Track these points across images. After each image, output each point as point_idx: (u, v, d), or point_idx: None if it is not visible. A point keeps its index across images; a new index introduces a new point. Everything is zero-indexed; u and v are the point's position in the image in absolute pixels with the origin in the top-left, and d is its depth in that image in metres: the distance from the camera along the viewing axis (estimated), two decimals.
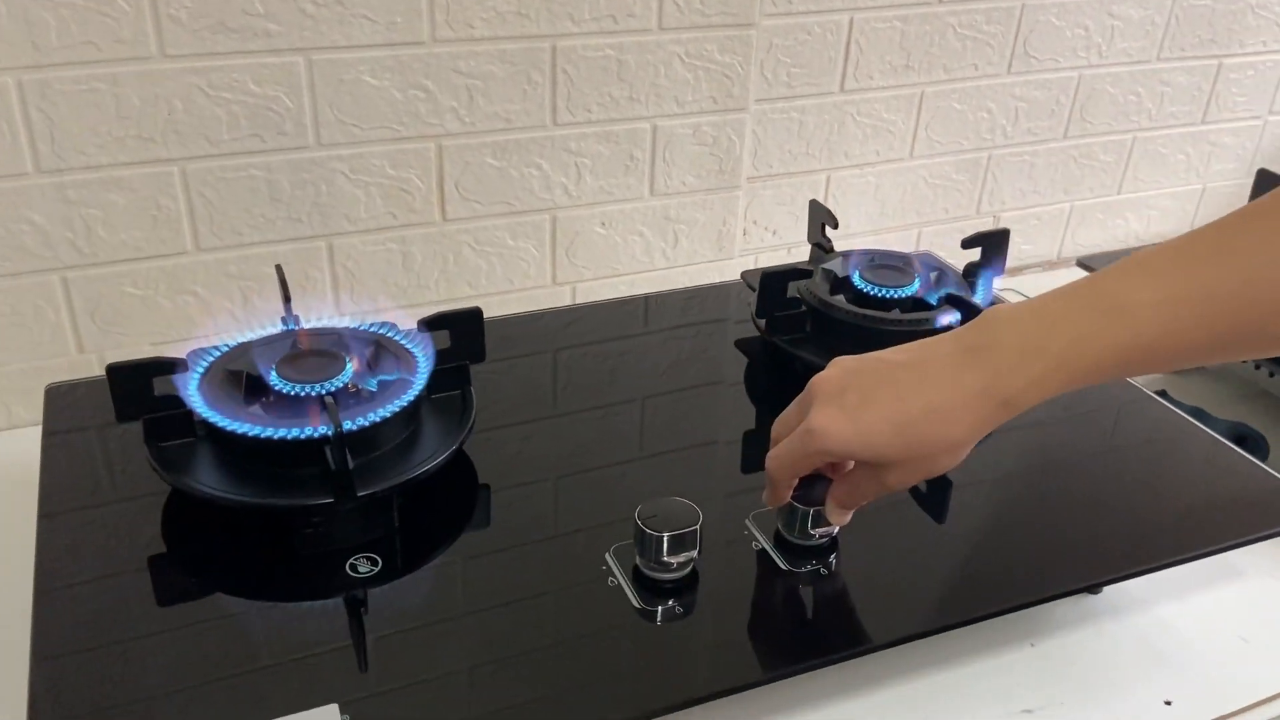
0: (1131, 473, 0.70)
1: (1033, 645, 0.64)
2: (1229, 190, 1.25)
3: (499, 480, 0.66)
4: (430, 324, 0.65)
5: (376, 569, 0.57)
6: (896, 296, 0.74)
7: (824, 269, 0.77)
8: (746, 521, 0.62)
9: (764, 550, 0.60)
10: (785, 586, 0.59)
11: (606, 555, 0.59)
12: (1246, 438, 0.83)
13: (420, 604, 0.57)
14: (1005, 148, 1.10)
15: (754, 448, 0.71)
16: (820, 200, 1.04)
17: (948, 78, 1.03)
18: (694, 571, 0.58)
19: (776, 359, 0.77)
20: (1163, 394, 0.90)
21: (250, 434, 0.57)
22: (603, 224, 0.95)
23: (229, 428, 0.57)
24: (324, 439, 0.56)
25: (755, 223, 1.03)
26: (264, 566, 0.58)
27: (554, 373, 0.83)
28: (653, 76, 0.90)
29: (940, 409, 0.51)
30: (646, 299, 0.93)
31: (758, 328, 0.77)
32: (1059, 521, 0.65)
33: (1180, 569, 0.64)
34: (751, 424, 0.76)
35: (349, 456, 0.56)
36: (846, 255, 0.79)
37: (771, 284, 0.73)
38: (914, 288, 0.74)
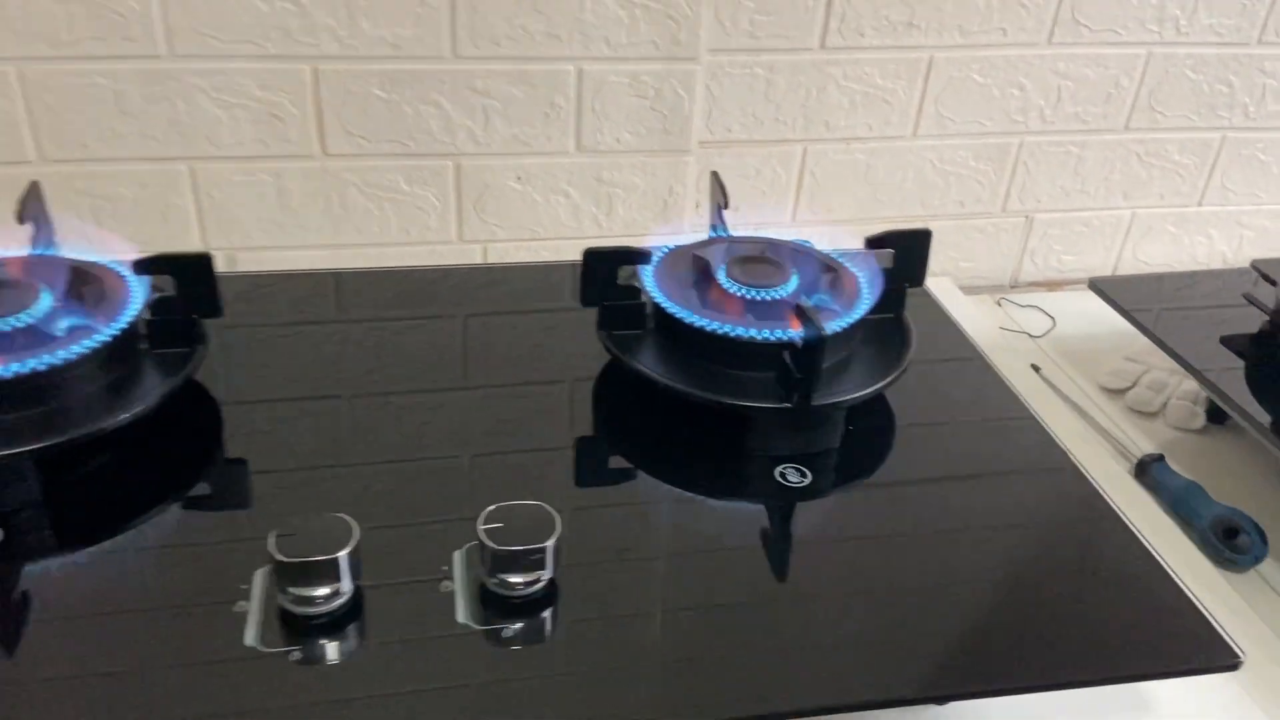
0: (1035, 563, 0.53)
1: None
2: None
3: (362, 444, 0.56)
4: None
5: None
6: (759, 298, 0.59)
7: (695, 254, 0.62)
8: (457, 554, 0.50)
9: (452, 594, 0.47)
10: (462, 648, 0.46)
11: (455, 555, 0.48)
12: (1238, 531, 0.63)
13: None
14: (1042, 135, 0.90)
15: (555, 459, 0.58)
16: (795, 176, 0.88)
17: (965, 42, 0.85)
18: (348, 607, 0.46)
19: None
20: (1160, 458, 0.71)
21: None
22: (519, 178, 0.83)
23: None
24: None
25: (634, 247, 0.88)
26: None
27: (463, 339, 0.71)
28: (576, 10, 0.77)
29: None
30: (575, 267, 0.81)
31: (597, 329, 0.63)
32: (924, 607, 0.49)
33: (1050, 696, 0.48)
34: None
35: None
36: (727, 241, 0.64)
37: (597, 267, 0.59)
38: (788, 288, 0.59)
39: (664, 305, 0.57)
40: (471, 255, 0.86)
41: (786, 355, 0.54)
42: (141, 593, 0.48)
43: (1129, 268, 1.00)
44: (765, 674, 0.46)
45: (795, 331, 0.54)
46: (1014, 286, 0.98)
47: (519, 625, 0.46)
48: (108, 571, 0.49)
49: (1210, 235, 1.00)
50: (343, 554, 0.44)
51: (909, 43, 0.84)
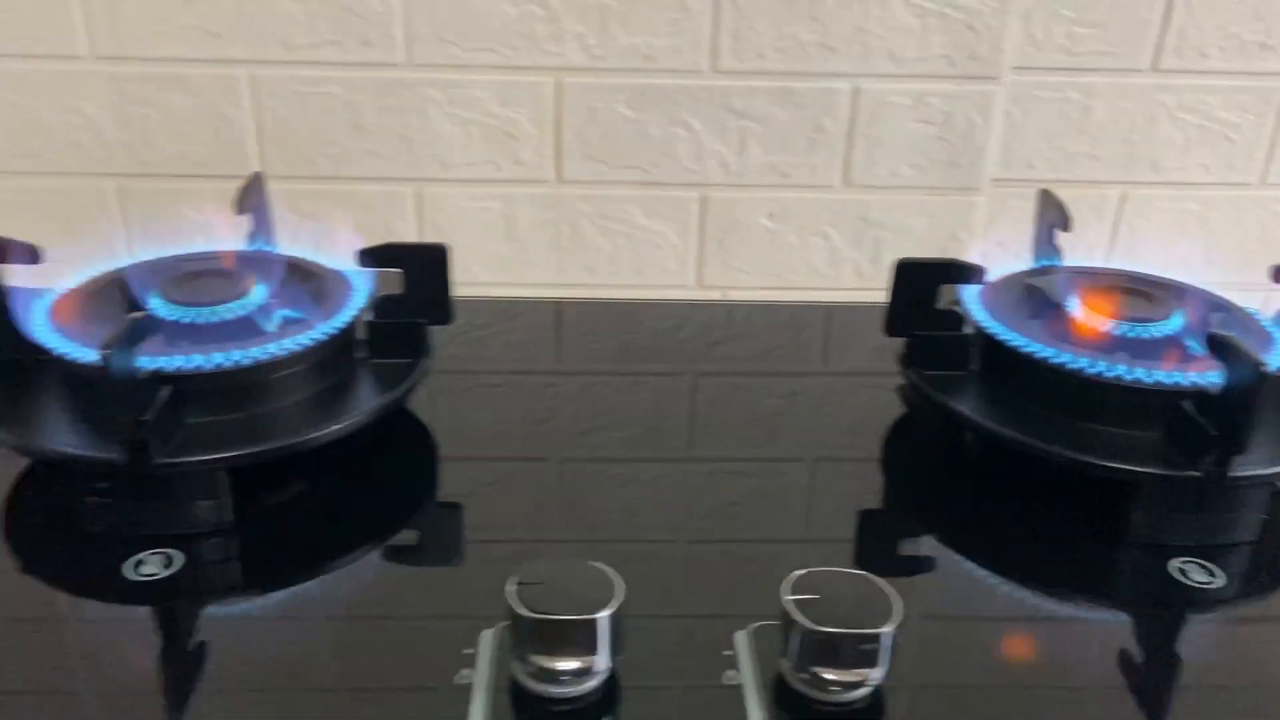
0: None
1: None
2: None
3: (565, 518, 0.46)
4: None
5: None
6: (1131, 336, 0.43)
7: (1028, 284, 0.48)
8: (740, 635, 0.36)
9: (739, 687, 0.34)
10: None
11: (482, 635, 0.36)
12: None
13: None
14: None
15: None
16: (1111, 227, 0.73)
17: None
18: (609, 687, 0.33)
19: (930, 410, 0.50)
20: None
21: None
22: (771, 215, 0.71)
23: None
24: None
25: (1000, 244, 0.73)
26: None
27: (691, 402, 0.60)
28: (858, 18, 0.66)
29: None
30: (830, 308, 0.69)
31: (898, 359, 0.49)
32: None
33: None
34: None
35: (158, 403, 0.38)
36: (1068, 272, 0.49)
37: (911, 282, 0.46)
38: (1170, 325, 0.44)
39: (1008, 339, 0.43)
40: (711, 304, 0.74)
41: (1189, 406, 0.39)
42: (338, 652, 0.36)
43: None
44: None
45: (1209, 375, 0.39)
46: None
47: None
48: (299, 623, 0.38)
49: None
50: (604, 615, 0.31)
51: (1259, 68, 0.68)
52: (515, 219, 0.71)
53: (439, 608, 0.40)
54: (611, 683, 0.34)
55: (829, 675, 0.31)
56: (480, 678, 0.34)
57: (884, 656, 0.32)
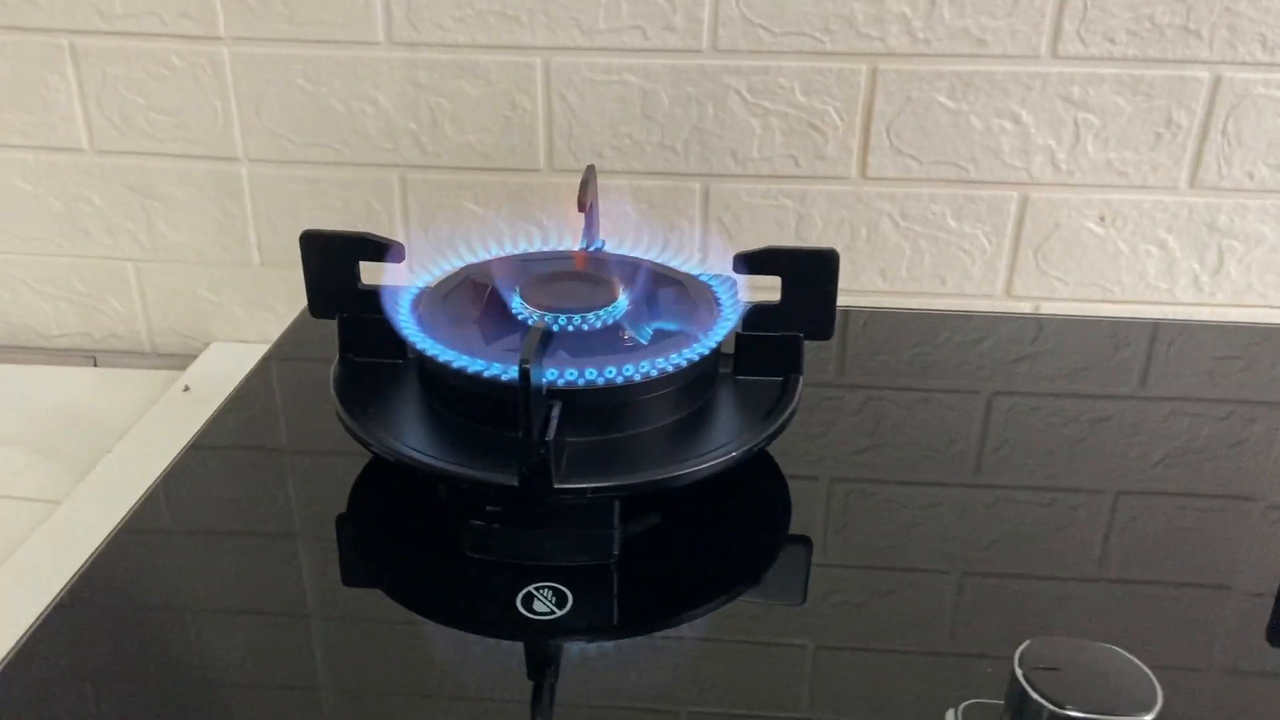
0: None
1: None
2: None
3: (832, 542, 0.41)
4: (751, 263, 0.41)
5: (557, 613, 0.35)
6: None
7: None
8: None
9: None
10: None
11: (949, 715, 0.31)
12: None
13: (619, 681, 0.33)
14: None
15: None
16: None
17: None
18: None
19: None
20: None
21: (443, 359, 0.37)
22: (1101, 219, 0.64)
23: (423, 347, 0.38)
24: (516, 386, 0.35)
25: None
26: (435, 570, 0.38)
27: (984, 423, 0.54)
28: None
29: None
30: (1157, 324, 0.61)
31: None
32: None
33: None
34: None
35: (552, 421, 0.34)
36: None
37: None
38: None
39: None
40: (1019, 317, 0.67)
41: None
42: (774, 698, 0.32)
43: None
44: None
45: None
46: None
47: None
48: (699, 662, 0.34)
49: None
50: (1154, 715, 0.25)
51: None
52: (810, 218, 0.65)
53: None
54: None
55: None
56: None
57: None
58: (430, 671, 0.34)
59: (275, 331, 0.59)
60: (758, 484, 0.45)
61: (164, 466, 0.45)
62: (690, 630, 0.37)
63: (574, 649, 0.34)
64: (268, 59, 0.63)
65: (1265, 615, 0.39)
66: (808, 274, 0.40)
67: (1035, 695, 0.26)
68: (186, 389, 0.65)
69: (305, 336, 0.57)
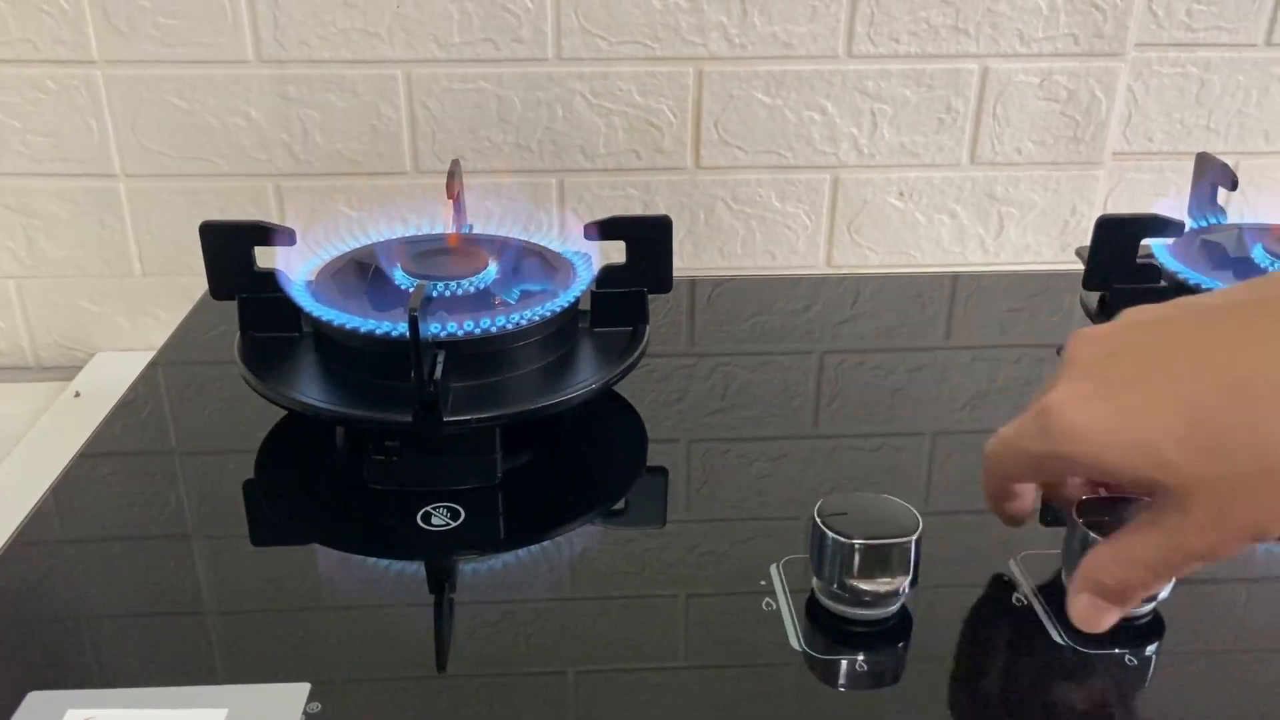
0: None
1: None
2: None
3: (695, 497, 0.48)
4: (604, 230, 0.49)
5: (452, 524, 0.41)
6: None
7: (1204, 240, 0.51)
8: (1012, 563, 0.39)
9: (1029, 608, 0.36)
10: (1053, 670, 0.35)
11: (773, 568, 0.39)
12: None
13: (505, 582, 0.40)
14: None
15: None
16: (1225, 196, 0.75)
17: None
18: (904, 612, 0.36)
19: None
20: None
21: (339, 323, 0.44)
22: (900, 194, 0.74)
23: (320, 316, 0.44)
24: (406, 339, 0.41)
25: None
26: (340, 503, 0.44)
27: (818, 380, 0.62)
28: (990, 1, 0.68)
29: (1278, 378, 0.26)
30: (955, 281, 0.71)
31: (1086, 311, 0.52)
32: None
33: None
34: None
35: (438, 366, 0.40)
36: (1246, 227, 0.52)
37: (1113, 237, 0.48)
38: None
39: (1211, 287, 0.46)
40: (839, 284, 0.77)
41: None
42: (645, 585, 0.39)
43: None
44: None
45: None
46: None
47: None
48: (593, 560, 0.41)
49: None
50: (914, 538, 0.34)
51: None
52: (654, 205, 0.74)
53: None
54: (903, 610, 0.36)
55: (863, 585, 0.34)
56: (783, 604, 0.36)
57: (909, 561, 0.35)
58: (340, 590, 0.40)
59: (160, 338, 0.62)
60: (619, 427, 0.52)
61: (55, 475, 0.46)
62: (567, 541, 0.44)
63: (469, 561, 0.41)
64: (141, 79, 0.67)
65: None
66: (647, 238, 0.48)
67: (830, 533, 0.34)
68: (78, 395, 0.68)
69: (190, 341, 0.60)
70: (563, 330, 0.47)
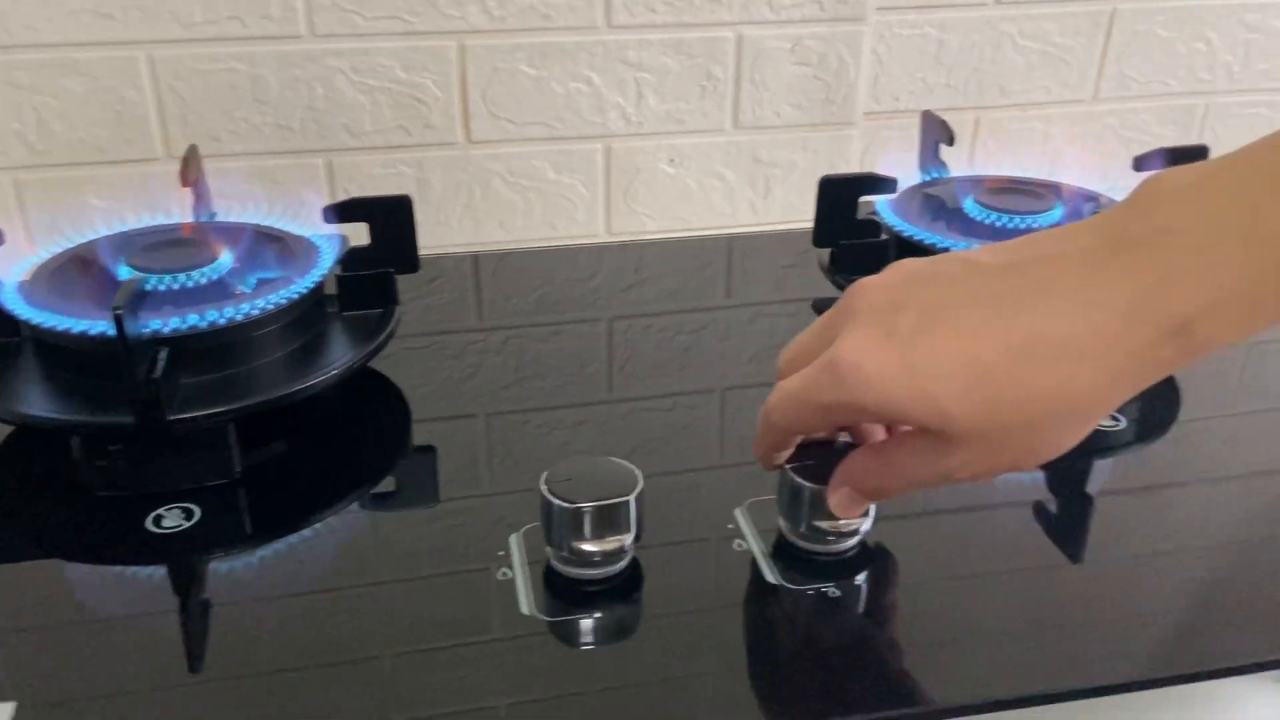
0: None
1: None
2: None
3: (498, 471, 0.48)
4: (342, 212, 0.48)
5: (189, 523, 0.40)
6: (1025, 228, 0.50)
7: (925, 193, 0.55)
8: (737, 512, 0.41)
9: (749, 553, 0.39)
10: (771, 612, 0.37)
11: (512, 538, 0.40)
12: None
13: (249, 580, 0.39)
14: (1230, 95, 0.83)
15: None
16: (967, 150, 0.81)
17: None
18: (635, 566, 0.37)
19: None
20: None
21: (46, 325, 0.42)
22: (671, 161, 0.76)
23: (26, 318, 0.42)
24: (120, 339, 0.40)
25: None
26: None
27: (609, 346, 0.63)
28: None
29: (1060, 342, 0.29)
30: (730, 243, 0.74)
31: (821, 267, 0.55)
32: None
33: None
34: None
35: (159, 363, 0.39)
36: (961, 180, 0.56)
37: (834, 196, 0.51)
38: (1052, 216, 0.51)
39: (921, 239, 0.49)
40: (620, 251, 0.78)
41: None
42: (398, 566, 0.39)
43: None
44: None
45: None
46: None
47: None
48: (331, 542, 0.41)
49: None
50: (633, 496, 0.35)
51: None
52: (429, 182, 0.73)
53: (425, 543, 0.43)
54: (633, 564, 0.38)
55: (589, 546, 0.36)
56: (519, 572, 0.37)
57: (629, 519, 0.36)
58: (69, 605, 0.39)
59: None
60: (384, 410, 0.52)
61: None
62: (326, 528, 0.43)
63: (216, 559, 0.40)
64: None
65: None
66: (388, 218, 0.48)
67: (556, 500, 0.36)
68: None
69: None
70: (307, 316, 0.46)
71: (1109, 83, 0.80)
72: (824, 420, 0.34)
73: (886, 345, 0.31)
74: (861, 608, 0.37)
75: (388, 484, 0.47)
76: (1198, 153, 0.54)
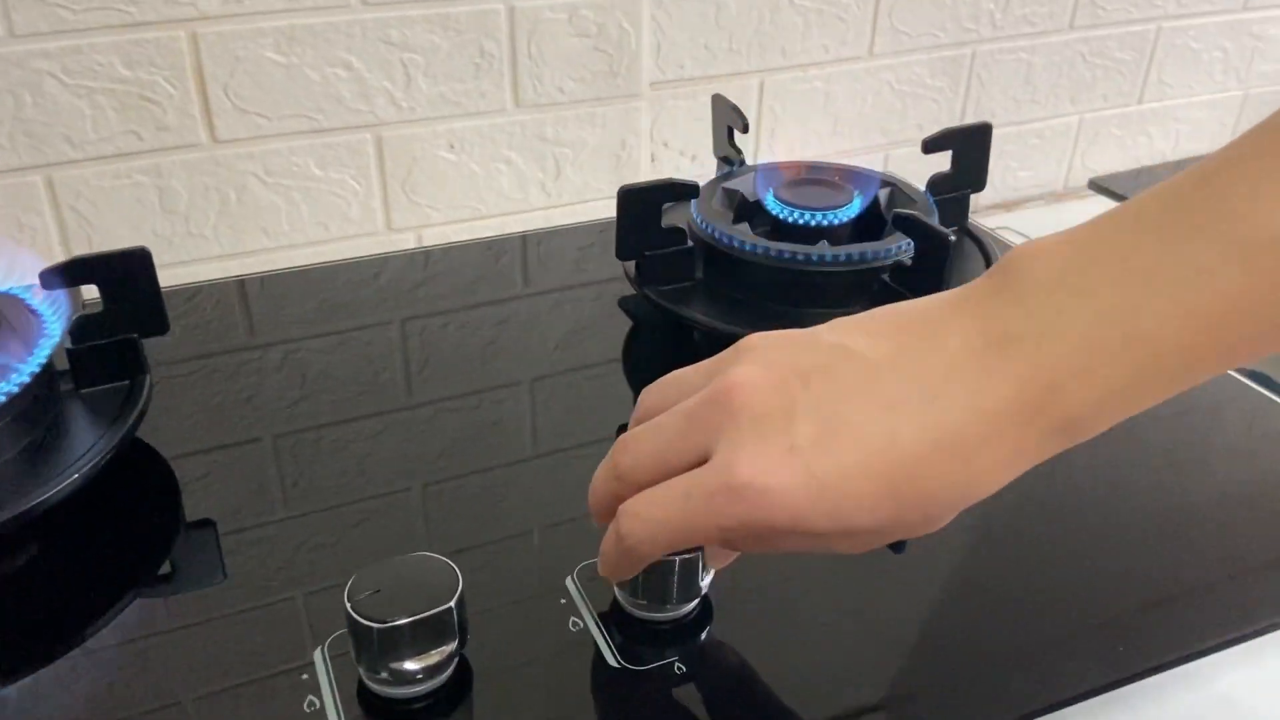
0: (1208, 484, 0.46)
1: None
2: (1276, 96, 1.00)
3: (291, 494, 0.42)
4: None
5: None
6: (826, 224, 0.49)
7: (724, 189, 0.52)
8: (569, 582, 0.38)
9: (585, 630, 0.36)
10: (623, 698, 0.35)
11: (317, 653, 0.35)
12: None
13: None
14: (994, 42, 0.85)
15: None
16: (755, 114, 0.79)
17: None
18: (458, 676, 0.34)
19: (665, 320, 0.53)
20: (1263, 379, 0.65)
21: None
22: (451, 146, 0.70)
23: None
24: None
25: (666, 145, 0.78)
26: None
27: (403, 349, 0.58)
28: None
29: (956, 443, 0.29)
30: (524, 228, 0.70)
31: (627, 276, 0.52)
32: (1083, 562, 0.41)
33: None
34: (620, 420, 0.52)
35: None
36: (759, 170, 0.54)
37: (635, 208, 0.48)
38: (851, 210, 0.50)
39: (722, 243, 0.47)
40: (405, 246, 0.73)
41: (888, 278, 0.45)
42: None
43: (1080, 178, 0.96)
44: None
45: (898, 247, 0.45)
46: (974, 211, 0.93)
47: None
48: (91, 686, 0.35)
49: (1150, 134, 0.98)
50: (453, 603, 0.31)
51: None
52: (173, 191, 0.64)
53: (241, 628, 0.38)
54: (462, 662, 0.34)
55: (407, 665, 0.32)
56: (328, 699, 0.33)
57: (454, 625, 0.32)
58: None
59: None
60: (146, 484, 0.45)
61: None
62: (84, 654, 0.37)
63: None
64: None
65: None
66: (123, 275, 0.41)
67: (362, 620, 0.31)
68: None
69: None
70: (36, 406, 0.39)
71: (883, 37, 0.80)
72: (717, 541, 0.31)
73: (790, 461, 0.29)
74: (711, 677, 0.35)
75: (159, 589, 0.41)
76: (982, 130, 0.54)
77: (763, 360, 0.31)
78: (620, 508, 0.31)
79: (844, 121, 0.83)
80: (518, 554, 0.41)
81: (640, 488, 0.31)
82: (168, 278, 0.65)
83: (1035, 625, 0.38)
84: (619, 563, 0.32)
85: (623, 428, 0.51)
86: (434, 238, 0.73)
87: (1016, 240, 0.85)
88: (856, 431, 0.29)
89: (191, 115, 0.63)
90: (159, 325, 0.42)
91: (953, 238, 0.42)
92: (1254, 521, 0.43)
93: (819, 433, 0.29)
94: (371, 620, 0.31)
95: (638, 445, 0.32)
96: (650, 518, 0.30)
